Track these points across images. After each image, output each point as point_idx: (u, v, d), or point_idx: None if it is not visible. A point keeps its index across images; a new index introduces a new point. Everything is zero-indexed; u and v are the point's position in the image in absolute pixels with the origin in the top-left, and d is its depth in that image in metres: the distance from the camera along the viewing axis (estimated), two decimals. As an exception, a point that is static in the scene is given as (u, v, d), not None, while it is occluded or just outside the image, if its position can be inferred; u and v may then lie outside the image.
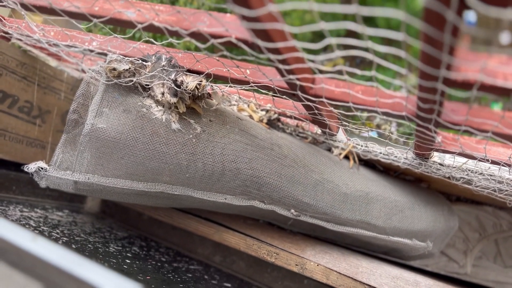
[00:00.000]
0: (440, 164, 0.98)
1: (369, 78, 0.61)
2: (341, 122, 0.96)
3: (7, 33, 1.00)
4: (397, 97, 0.64)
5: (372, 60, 0.54)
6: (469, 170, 0.95)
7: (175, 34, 0.63)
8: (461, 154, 0.87)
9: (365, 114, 0.81)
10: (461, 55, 0.48)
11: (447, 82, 0.51)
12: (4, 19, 1.00)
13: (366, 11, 0.42)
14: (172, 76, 0.81)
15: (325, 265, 0.93)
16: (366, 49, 0.54)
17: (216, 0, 2.53)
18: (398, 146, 1.00)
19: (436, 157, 1.00)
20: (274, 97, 0.92)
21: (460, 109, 0.68)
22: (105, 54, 0.90)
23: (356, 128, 0.94)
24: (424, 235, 1.07)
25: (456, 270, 1.33)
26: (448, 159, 0.99)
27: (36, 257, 0.42)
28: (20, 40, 1.02)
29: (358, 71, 0.56)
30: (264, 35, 0.51)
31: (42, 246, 0.44)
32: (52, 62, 1.18)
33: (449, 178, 0.98)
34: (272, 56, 0.57)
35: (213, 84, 0.89)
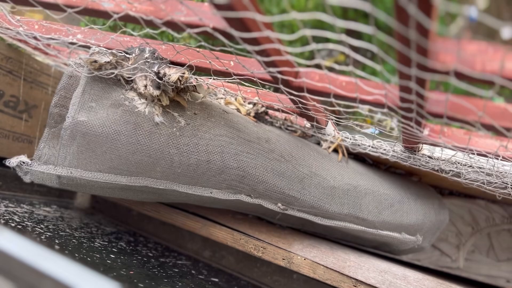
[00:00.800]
0: (429, 157, 0.97)
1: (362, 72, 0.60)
2: (328, 116, 0.95)
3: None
4: (376, 94, 0.63)
5: (351, 58, 0.53)
6: (458, 163, 0.94)
7: (152, 24, 0.62)
8: (447, 147, 0.86)
9: (366, 110, 0.80)
10: (435, 43, 0.47)
11: (421, 83, 0.50)
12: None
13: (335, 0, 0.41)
14: (155, 69, 0.80)
15: (312, 259, 0.92)
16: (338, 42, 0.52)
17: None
18: (389, 141, 0.98)
19: (425, 149, 0.98)
20: (258, 91, 0.90)
21: (442, 100, 0.66)
22: (90, 48, 0.89)
23: (357, 125, 0.92)
24: (414, 229, 1.06)
25: (449, 264, 1.32)
26: (438, 152, 0.98)
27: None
28: (4, 34, 1.00)
29: (336, 66, 0.55)
30: (238, 24, 0.50)
31: (7, 239, 0.43)
32: (40, 57, 1.17)
33: (438, 170, 0.97)
34: (249, 47, 0.56)
35: (197, 77, 0.88)
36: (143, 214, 1.23)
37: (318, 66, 0.66)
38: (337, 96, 0.70)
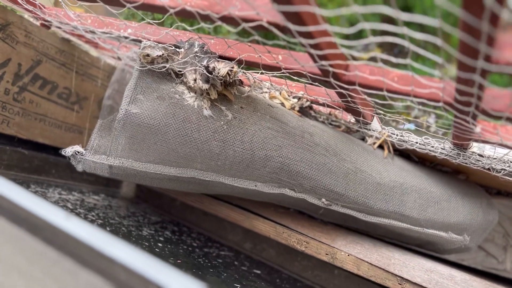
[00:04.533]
0: (480, 155, 0.94)
1: (405, 67, 0.59)
2: (375, 111, 0.94)
3: (47, 21, 1.03)
4: (433, 87, 0.61)
5: (410, 50, 0.52)
6: (511, 161, 0.91)
7: (207, 19, 0.63)
8: (502, 145, 0.83)
9: (401, 103, 0.79)
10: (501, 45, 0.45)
11: (486, 74, 0.48)
12: (44, 7, 1.03)
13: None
14: (204, 63, 0.82)
15: (356, 255, 0.91)
16: (401, 37, 0.52)
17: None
18: (436, 136, 0.96)
19: (475, 147, 0.96)
20: (306, 84, 0.90)
21: (502, 95, 0.64)
22: (140, 41, 0.91)
23: (393, 120, 0.91)
24: (460, 228, 1.03)
25: (495, 265, 1.28)
26: (488, 150, 0.95)
27: (69, 235, 0.43)
28: (59, 28, 1.04)
29: (393, 59, 0.54)
30: (296, 18, 0.50)
31: (75, 224, 0.45)
32: (91, 51, 1.21)
33: (489, 169, 0.94)
34: (304, 41, 0.56)
35: (244, 71, 0.89)
36: (186, 204, 1.25)
37: (371, 59, 0.65)
38: (390, 91, 0.69)
